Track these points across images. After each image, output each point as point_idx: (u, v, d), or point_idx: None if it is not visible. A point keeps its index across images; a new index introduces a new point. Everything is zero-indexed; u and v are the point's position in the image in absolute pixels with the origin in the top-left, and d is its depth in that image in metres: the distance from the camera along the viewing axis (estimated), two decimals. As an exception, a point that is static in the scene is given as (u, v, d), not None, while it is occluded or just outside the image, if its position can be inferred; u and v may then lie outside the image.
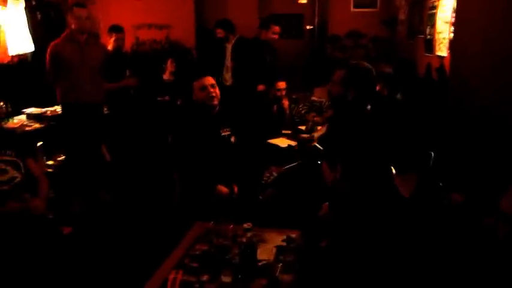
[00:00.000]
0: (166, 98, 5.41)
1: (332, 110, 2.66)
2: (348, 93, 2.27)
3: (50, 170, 4.10)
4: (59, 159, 4.33)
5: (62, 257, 2.49)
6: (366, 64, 2.36)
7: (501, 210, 2.06)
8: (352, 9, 6.81)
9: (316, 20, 7.12)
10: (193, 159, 2.80)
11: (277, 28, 4.51)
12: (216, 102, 2.87)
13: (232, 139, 2.99)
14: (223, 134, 2.95)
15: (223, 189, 2.80)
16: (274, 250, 2.13)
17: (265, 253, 2.09)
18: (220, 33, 5.50)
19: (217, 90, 2.88)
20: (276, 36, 4.54)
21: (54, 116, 4.24)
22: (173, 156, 2.91)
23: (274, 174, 2.98)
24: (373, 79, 2.33)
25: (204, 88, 2.84)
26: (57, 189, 3.50)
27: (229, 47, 5.51)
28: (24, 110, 4.33)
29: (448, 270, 2.17)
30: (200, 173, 2.79)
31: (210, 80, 2.87)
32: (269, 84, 4.15)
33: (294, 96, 4.65)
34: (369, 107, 2.34)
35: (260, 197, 2.89)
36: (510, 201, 2.03)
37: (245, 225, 1.96)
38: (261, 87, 4.22)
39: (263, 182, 2.94)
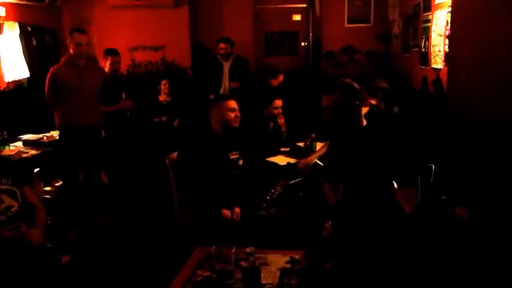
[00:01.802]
0: (164, 119, 5.41)
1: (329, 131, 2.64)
2: (350, 114, 2.28)
3: (47, 196, 4.06)
4: (57, 184, 4.30)
5: (62, 288, 2.43)
6: (349, 80, 2.37)
7: None
8: (346, 25, 6.87)
9: (310, 36, 7.17)
10: (200, 182, 2.79)
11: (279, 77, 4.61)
12: (237, 124, 2.94)
13: (240, 162, 2.99)
14: (231, 157, 2.96)
15: (227, 213, 2.77)
16: (277, 273, 2.08)
17: (268, 277, 2.05)
18: (226, 48, 5.47)
19: (239, 114, 2.97)
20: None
21: (51, 142, 4.22)
22: (182, 179, 2.90)
23: (279, 189, 2.92)
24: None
25: (233, 109, 2.92)
26: (55, 216, 3.44)
27: (227, 66, 5.50)
28: (20, 137, 4.31)
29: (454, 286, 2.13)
30: (207, 196, 2.77)
31: (236, 104, 2.96)
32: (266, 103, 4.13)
33: (291, 113, 4.63)
34: (364, 122, 2.33)
35: (264, 212, 2.83)
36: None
37: (248, 250, 1.92)
38: None
39: (268, 197, 2.87)
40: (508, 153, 2.62)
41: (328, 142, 2.93)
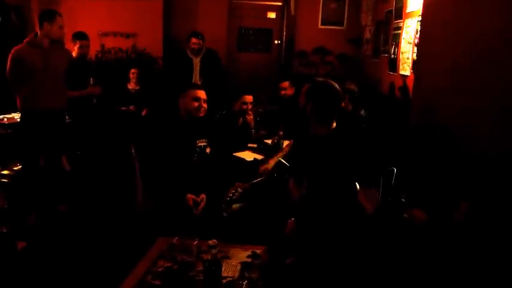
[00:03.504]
0: (131, 107, 5.33)
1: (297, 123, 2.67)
2: (307, 106, 2.32)
3: (4, 180, 3.92)
4: (15, 168, 4.16)
5: (16, 275, 2.35)
6: (332, 82, 2.39)
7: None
8: (319, 26, 6.95)
9: (284, 35, 7.21)
10: (165, 167, 2.80)
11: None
12: (202, 115, 2.97)
13: (208, 150, 3.02)
14: (199, 144, 2.99)
15: (191, 197, 2.78)
16: (238, 267, 2.09)
17: (229, 270, 2.06)
18: (198, 43, 5.31)
19: (206, 105, 2.99)
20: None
21: (11, 124, 4.08)
22: (145, 163, 2.89)
23: (239, 190, 2.93)
24: (336, 97, 2.36)
25: (197, 99, 2.94)
26: (12, 200, 3.34)
27: (197, 60, 5.39)
28: (-21, 117, 4.15)
29: (413, 283, 2.20)
30: (171, 181, 2.77)
31: (203, 95, 2.99)
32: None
33: (260, 110, 4.66)
34: (334, 124, 2.37)
35: (224, 214, 2.85)
36: (461, 217, 2.10)
37: (210, 242, 1.92)
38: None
39: (228, 198, 2.89)
40: (466, 159, 2.73)
41: (293, 139, 2.97)
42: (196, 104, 2.93)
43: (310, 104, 2.31)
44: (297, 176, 2.50)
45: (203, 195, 2.83)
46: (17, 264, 2.43)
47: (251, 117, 4.08)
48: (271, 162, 3.34)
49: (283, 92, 4.58)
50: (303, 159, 2.45)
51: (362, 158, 2.41)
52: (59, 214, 3.72)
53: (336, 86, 2.38)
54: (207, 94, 3.01)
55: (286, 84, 4.58)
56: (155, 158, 2.83)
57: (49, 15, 3.68)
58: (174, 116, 2.98)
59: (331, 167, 2.29)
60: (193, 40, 5.32)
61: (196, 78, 5.39)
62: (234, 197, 2.94)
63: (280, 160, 3.41)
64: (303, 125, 2.46)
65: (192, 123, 2.97)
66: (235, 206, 2.97)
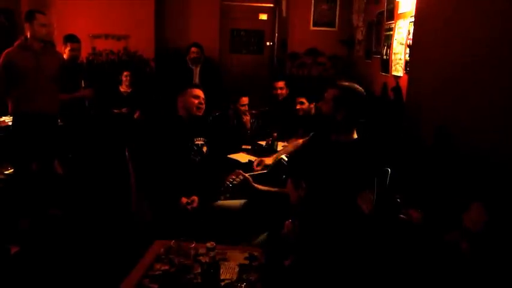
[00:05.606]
0: (124, 110, 5.30)
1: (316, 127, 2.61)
2: (337, 113, 2.26)
3: (-3, 184, 3.87)
4: (7, 172, 4.11)
5: (9, 280, 2.32)
6: (359, 87, 2.36)
7: (464, 226, 2.12)
8: (311, 27, 6.98)
9: (276, 36, 7.22)
10: (161, 167, 2.79)
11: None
12: (200, 114, 3.01)
13: (205, 149, 3.02)
14: (196, 142, 3.00)
15: (185, 201, 2.77)
16: (236, 269, 2.08)
17: (227, 272, 2.04)
18: (197, 52, 5.51)
19: (204, 105, 3.05)
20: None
21: (2, 127, 4.03)
22: (139, 165, 2.88)
23: (241, 177, 2.84)
24: (364, 104, 2.32)
25: (197, 97, 2.98)
26: (5, 204, 3.29)
27: (196, 71, 5.49)
28: (-31, 121, 4.09)
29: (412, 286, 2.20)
30: (168, 181, 2.76)
31: (202, 94, 3.04)
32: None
33: (253, 112, 4.66)
34: (355, 135, 2.33)
35: (222, 198, 2.84)
36: (471, 218, 2.09)
37: (208, 245, 1.91)
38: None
39: (228, 183, 2.81)
40: (460, 159, 2.75)
41: (308, 141, 2.89)
42: (196, 100, 2.97)
43: (343, 112, 2.25)
44: (295, 178, 2.48)
45: (195, 198, 2.82)
46: (10, 269, 2.40)
47: (248, 117, 4.10)
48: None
49: (279, 92, 4.58)
50: (307, 161, 2.40)
51: (381, 166, 2.37)
52: (52, 218, 3.68)
53: (362, 90, 2.35)
54: (205, 100, 3.04)
55: (281, 83, 4.59)
56: (150, 159, 2.81)
57: (28, 16, 3.66)
58: (172, 115, 3.00)
59: (353, 174, 2.24)
60: (193, 49, 5.52)
61: None
62: (235, 182, 2.86)
63: (282, 158, 3.38)
64: (325, 131, 2.39)
65: (191, 121, 2.99)
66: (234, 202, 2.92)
